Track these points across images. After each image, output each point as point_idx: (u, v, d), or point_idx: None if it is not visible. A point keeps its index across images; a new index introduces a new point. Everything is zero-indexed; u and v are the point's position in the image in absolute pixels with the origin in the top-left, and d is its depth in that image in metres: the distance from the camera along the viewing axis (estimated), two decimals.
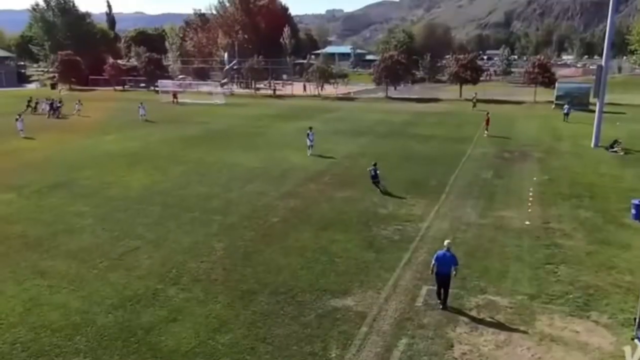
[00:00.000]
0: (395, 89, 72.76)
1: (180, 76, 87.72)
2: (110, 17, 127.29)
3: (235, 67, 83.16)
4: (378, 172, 21.89)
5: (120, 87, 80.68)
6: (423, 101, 62.01)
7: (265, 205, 19.89)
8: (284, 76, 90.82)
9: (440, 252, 12.31)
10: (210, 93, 65.75)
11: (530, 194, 21.36)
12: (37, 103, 51.09)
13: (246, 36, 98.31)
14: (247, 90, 76.97)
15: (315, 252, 15.46)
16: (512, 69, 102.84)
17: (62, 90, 77.71)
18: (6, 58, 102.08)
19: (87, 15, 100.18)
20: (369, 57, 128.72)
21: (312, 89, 72.41)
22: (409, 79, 80.00)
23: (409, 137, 35.78)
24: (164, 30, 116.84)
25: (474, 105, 53.41)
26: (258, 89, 77.08)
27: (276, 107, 57.24)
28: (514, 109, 53.30)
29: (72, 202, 20.42)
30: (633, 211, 18.21)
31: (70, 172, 25.35)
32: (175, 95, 61.42)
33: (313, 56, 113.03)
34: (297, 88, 73.52)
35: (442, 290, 12.31)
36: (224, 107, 57.41)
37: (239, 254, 15.31)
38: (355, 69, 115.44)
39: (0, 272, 14.18)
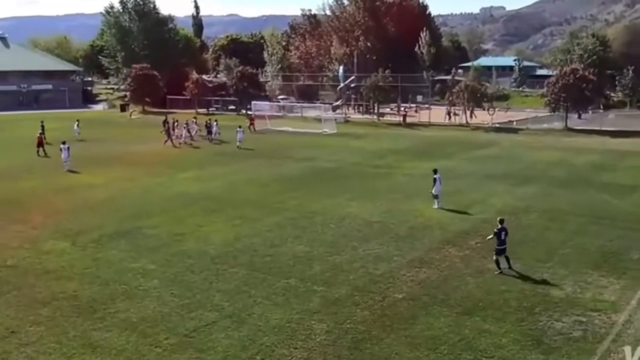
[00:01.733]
0: (579, 117, 70.10)
1: (281, 96, 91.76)
2: (197, 21, 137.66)
3: (352, 84, 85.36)
4: (507, 236, 20.40)
5: (204, 110, 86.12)
6: (621, 135, 58.95)
7: (385, 275, 19.80)
8: (419, 97, 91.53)
9: None
10: (318, 119, 67.89)
11: None
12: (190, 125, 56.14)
13: (369, 44, 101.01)
14: (367, 116, 78.53)
15: (455, 346, 15.01)
16: None
17: (134, 113, 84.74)
18: (72, 72, 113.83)
19: (169, 19, 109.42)
20: (540, 71, 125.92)
21: (457, 115, 72.03)
22: (599, 102, 76.73)
23: (598, 187, 34.10)
24: (262, 37, 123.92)
25: None
26: (382, 114, 78.33)
27: (406, 139, 57.66)
28: None
29: (135, 256, 21.84)
30: None
31: (135, 218, 27.25)
32: (252, 121, 63.91)
33: (460, 70, 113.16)
34: (436, 114, 73.59)
35: None
36: (335, 137, 58.92)
37: (347, 341, 15.26)
38: (520, 89, 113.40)
39: (44, 340, 15.38)
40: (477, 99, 71.00)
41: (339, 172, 39.50)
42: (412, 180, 36.20)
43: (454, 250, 22.45)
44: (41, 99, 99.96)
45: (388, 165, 42.31)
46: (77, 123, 56.86)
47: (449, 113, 73.04)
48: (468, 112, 71.09)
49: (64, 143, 41.03)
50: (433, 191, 28.96)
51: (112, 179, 36.90)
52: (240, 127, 52.08)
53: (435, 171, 29.43)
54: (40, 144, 46.44)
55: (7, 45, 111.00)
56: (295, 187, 34.17)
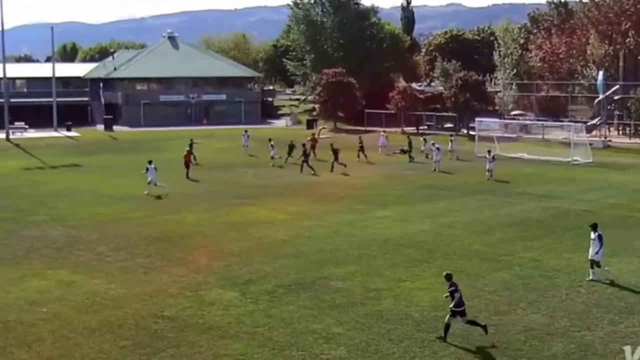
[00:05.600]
0: None
1: (515, 112, 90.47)
2: (408, 14, 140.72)
3: (616, 96, 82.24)
4: None
5: (412, 128, 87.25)
6: None
7: None
8: None
9: None
10: (566, 143, 66.07)
11: None
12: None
13: None
14: (636, 141, 75.62)
15: None
16: None
17: (323, 131, 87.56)
18: (249, 79, 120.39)
19: (371, 11, 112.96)
20: None
21: None
22: None
23: None
24: (492, 33, 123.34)
25: None
26: None
27: None
28: None
29: (318, 315, 22.43)
30: None
31: (320, 266, 28.04)
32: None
33: None
34: None
35: None
36: (589, 169, 57.30)
37: None
38: None
39: None
40: None
41: (593, 217, 37.66)
42: None
43: None
44: (212, 113, 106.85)
45: None
46: (271, 143, 62.15)
47: None
48: None
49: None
50: (592, 255, 26.27)
51: (292, 214, 38.45)
52: (489, 151, 53.01)
53: (594, 227, 26.77)
54: (187, 164, 52.33)
55: (175, 46, 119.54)
56: (530, 235, 33.45)
